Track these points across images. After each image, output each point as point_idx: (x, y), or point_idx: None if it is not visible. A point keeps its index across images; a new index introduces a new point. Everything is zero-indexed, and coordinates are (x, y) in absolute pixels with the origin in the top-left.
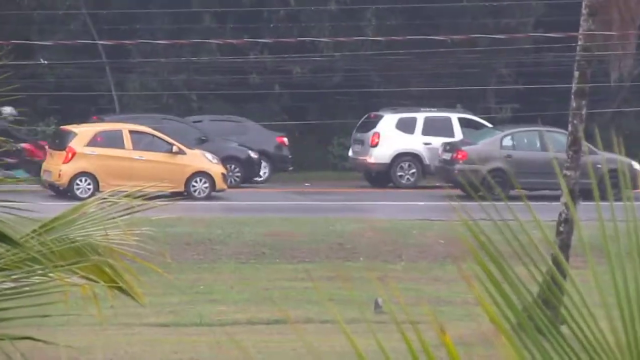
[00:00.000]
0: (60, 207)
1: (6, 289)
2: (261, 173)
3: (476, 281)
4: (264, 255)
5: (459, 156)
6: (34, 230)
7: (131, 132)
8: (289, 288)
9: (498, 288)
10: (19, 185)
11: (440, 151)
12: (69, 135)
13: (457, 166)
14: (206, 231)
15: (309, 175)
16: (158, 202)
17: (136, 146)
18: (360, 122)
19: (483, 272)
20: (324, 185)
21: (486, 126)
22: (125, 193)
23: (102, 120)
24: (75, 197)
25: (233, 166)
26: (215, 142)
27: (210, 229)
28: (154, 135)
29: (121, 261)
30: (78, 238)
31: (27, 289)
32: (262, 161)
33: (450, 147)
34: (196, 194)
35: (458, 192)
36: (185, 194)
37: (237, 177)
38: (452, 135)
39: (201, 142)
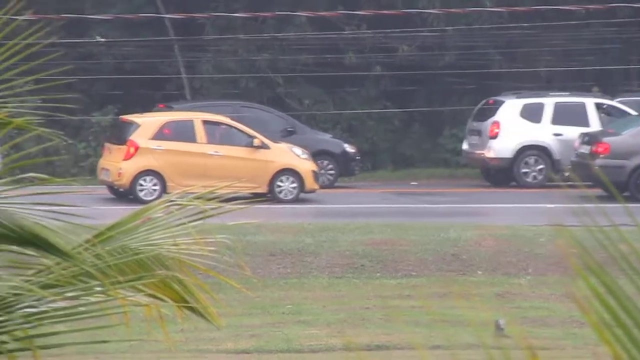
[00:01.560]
0: (119, 211)
1: (57, 309)
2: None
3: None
4: (363, 269)
5: (600, 149)
6: (88, 240)
7: (204, 122)
8: (392, 307)
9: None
10: (71, 187)
11: (577, 143)
12: (131, 126)
13: (597, 161)
14: (294, 240)
15: (415, 172)
16: (236, 206)
17: (210, 139)
18: (476, 109)
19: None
20: (434, 184)
21: (630, 114)
22: (197, 194)
23: (170, 109)
24: (138, 200)
25: (326, 162)
26: (305, 133)
27: (299, 237)
28: (231, 126)
29: (193, 276)
30: (141, 249)
31: (81, 309)
32: (358, 157)
33: (590, 139)
34: (282, 195)
35: (598, 192)
36: (269, 196)
37: (331, 175)
38: (586, 124)
39: (288, 134)
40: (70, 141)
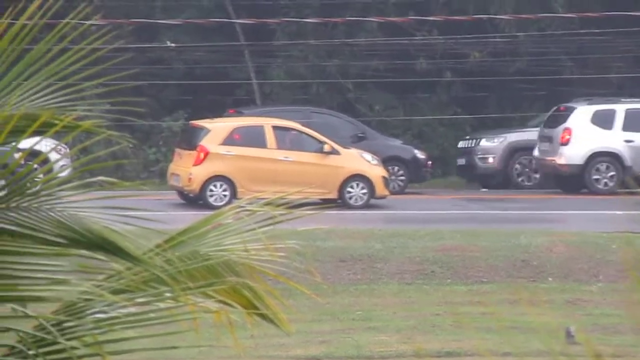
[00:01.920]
0: (190, 217)
1: (127, 315)
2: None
3: None
4: (433, 275)
5: None
6: (159, 245)
7: (274, 128)
8: (463, 314)
9: None
10: (141, 191)
11: None
12: (201, 131)
13: None
14: (364, 246)
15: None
16: (306, 211)
17: (281, 145)
18: (548, 115)
19: None
20: (504, 190)
21: None
22: (267, 200)
23: (240, 114)
24: (209, 206)
25: (396, 168)
26: (375, 139)
27: (369, 243)
28: (301, 132)
29: (262, 282)
30: (211, 254)
31: (151, 315)
32: (429, 163)
33: None
34: (352, 201)
35: None
36: (339, 202)
37: (401, 181)
38: None
39: (358, 140)
40: (135, 143)
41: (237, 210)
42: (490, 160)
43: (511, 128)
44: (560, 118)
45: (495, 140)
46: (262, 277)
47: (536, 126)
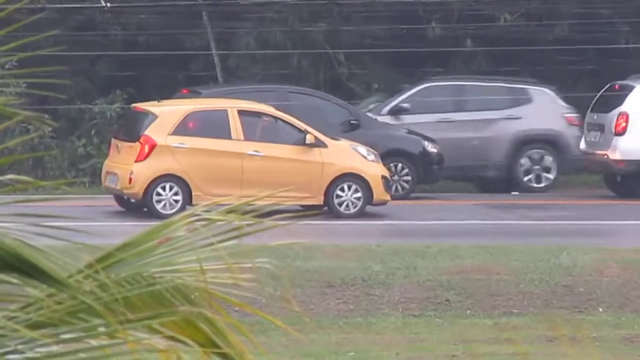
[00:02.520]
0: (130, 228)
1: (49, 355)
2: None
3: None
4: (448, 305)
5: None
6: (90, 265)
7: (241, 113)
8: (487, 355)
9: None
10: (67, 195)
11: None
12: (145, 118)
13: None
14: (358, 266)
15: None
16: (282, 221)
17: (249, 135)
18: (597, 97)
19: None
20: (541, 194)
21: None
22: (232, 207)
23: (196, 95)
24: (155, 214)
25: (400, 165)
26: (373, 127)
27: (365, 262)
28: (277, 118)
29: (225, 313)
30: (158, 277)
31: (81, 355)
32: (443, 157)
33: None
34: (342, 208)
35: None
36: (326, 209)
37: (406, 182)
38: None
39: (351, 128)
40: (59, 132)
41: (192, 219)
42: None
43: None
44: (613, 100)
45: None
46: (225, 307)
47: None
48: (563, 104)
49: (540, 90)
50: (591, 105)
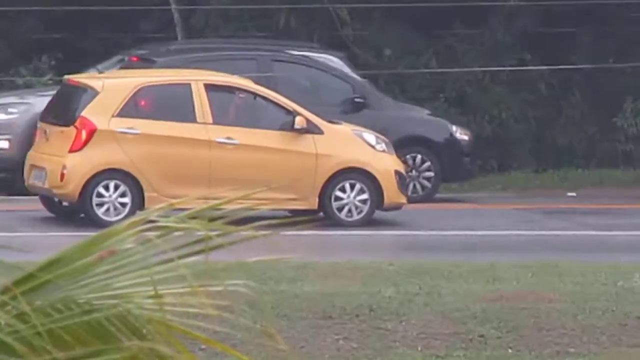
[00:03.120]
0: (61, 240)
1: None
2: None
3: None
4: (483, 342)
5: None
6: (6, 289)
7: (209, 87)
8: None
9: None
10: None
11: None
12: (82, 94)
13: None
14: (364, 291)
15: (573, 176)
16: (263, 232)
17: (220, 117)
18: None
19: None
20: (606, 196)
21: None
22: (195, 211)
23: (149, 64)
24: (95, 221)
25: (419, 158)
26: (384, 107)
27: (373, 286)
28: (256, 95)
29: (186, 351)
30: (97, 303)
31: None
32: (475, 147)
33: None
34: (343, 214)
35: None
36: (321, 215)
37: (428, 179)
38: None
39: (356, 109)
40: None
41: (144, 228)
42: None
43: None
44: None
45: None
46: (187, 344)
47: None
48: None
49: None
50: None
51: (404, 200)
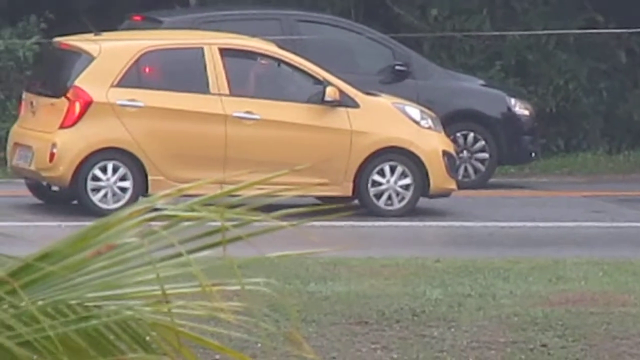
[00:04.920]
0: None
1: None
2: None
3: None
4: (545, 353)
5: None
6: None
7: (225, 52)
8: None
9: None
10: None
11: None
12: (76, 60)
13: None
14: (406, 292)
15: None
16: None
17: (237, 87)
18: None
19: None
20: None
21: None
22: (207, 197)
23: (155, 25)
24: (91, 209)
25: (472, 136)
26: (430, 77)
27: (416, 287)
28: (280, 61)
29: None
30: (93, 306)
31: None
32: (537, 123)
33: None
34: (382, 202)
35: None
36: (356, 202)
37: (482, 162)
38: None
39: (397, 78)
40: None
41: (148, 217)
42: None
43: None
44: None
45: None
46: (199, 353)
47: None
48: None
49: None
50: None
51: (453, 185)
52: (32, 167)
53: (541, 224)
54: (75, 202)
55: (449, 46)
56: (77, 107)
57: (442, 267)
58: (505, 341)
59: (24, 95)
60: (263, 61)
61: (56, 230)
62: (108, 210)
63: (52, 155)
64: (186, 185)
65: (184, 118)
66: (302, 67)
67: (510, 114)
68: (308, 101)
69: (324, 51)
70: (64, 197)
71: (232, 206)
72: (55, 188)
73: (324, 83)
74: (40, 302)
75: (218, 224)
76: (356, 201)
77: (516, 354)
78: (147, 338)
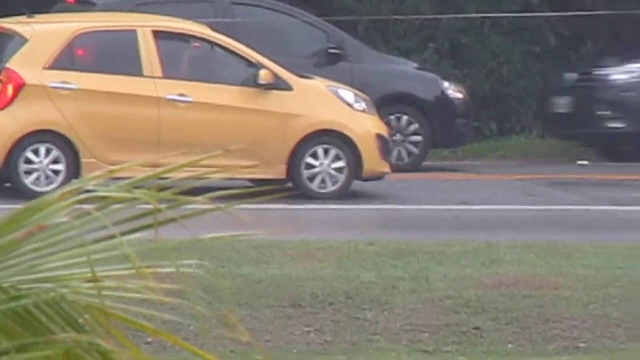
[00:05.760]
0: None
1: None
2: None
3: None
4: (479, 335)
5: None
6: None
7: (159, 35)
8: None
9: None
10: None
11: None
12: (8, 42)
13: None
14: (340, 275)
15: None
16: (220, 205)
17: (170, 70)
18: None
19: None
20: (623, 167)
21: None
22: (139, 179)
23: (88, 7)
24: (23, 191)
25: (405, 119)
26: (364, 60)
27: (349, 270)
28: (214, 44)
29: (131, 344)
30: (23, 288)
31: None
32: (471, 106)
33: None
34: (315, 184)
35: None
36: (290, 185)
37: (415, 144)
38: None
39: (330, 61)
40: None
41: (79, 198)
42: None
43: None
44: None
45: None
46: (131, 336)
47: None
48: None
49: None
50: None
51: (386, 168)
52: None
53: (475, 207)
54: (7, 184)
55: (383, 29)
56: (10, 90)
57: (375, 250)
58: (438, 324)
59: None
60: (196, 44)
61: None
62: (40, 193)
63: None
64: (117, 166)
65: (117, 100)
66: (235, 49)
67: (443, 97)
68: (242, 84)
69: (257, 34)
70: None
71: (164, 188)
72: None
73: (258, 66)
74: None
75: (150, 206)
76: (289, 184)
77: (449, 337)
78: (80, 321)
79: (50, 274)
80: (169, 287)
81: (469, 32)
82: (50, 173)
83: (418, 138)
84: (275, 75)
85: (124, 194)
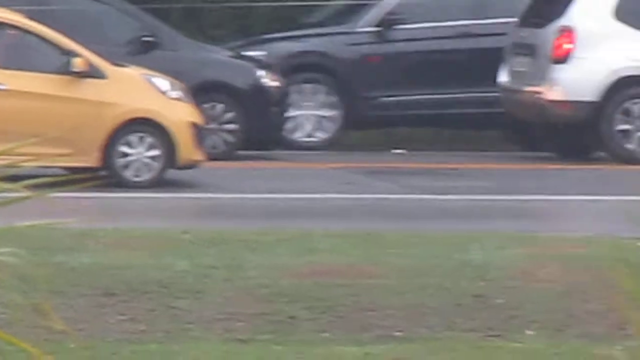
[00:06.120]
0: None
1: None
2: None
3: None
4: (293, 324)
5: None
6: None
7: None
8: None
9: None
10: None
11: None
12: None
13: None
14: (153, 264)
15: (400, 131)
16: (34, 192)
17: None
18: (528, 5)
19: None
20: (439, 155)
21: None
22: None
23: None
24: None
25: (220, 107)
26: (179, 48)
27: (163, 258)
28: (28, 32)
29: None
30: None
31: None
32: (288, 94)
33: None
34: (130, 173)
35: None
36: (104, 174)
37: (230, 133)
38: None
39: (144, 49)
40: None
41: None
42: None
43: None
44: (550, 9)
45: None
46: None
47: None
48: None
49: None
50: (519, 18)
51: (200, 157)
52: None
53: (290, 196)
54: None
55: (197, 17)
56: None
57: (189, 239)
58: (253, 313)
59: None
60: (10, 31)
61: None
62: None
63: None
64: None
65: None
66: (49, 37)
67: (258, 85)
68: (56, 72)
69: (72, 22)
70: None
71: None
72: None
73: (72, 54)
74: None
75: None
76: (104, 172)
77: (264, 326)
78: None
79: None
80: None
81: (284, 20)
82: None
83: (233, 127)
84: (90, 63)
85: None
